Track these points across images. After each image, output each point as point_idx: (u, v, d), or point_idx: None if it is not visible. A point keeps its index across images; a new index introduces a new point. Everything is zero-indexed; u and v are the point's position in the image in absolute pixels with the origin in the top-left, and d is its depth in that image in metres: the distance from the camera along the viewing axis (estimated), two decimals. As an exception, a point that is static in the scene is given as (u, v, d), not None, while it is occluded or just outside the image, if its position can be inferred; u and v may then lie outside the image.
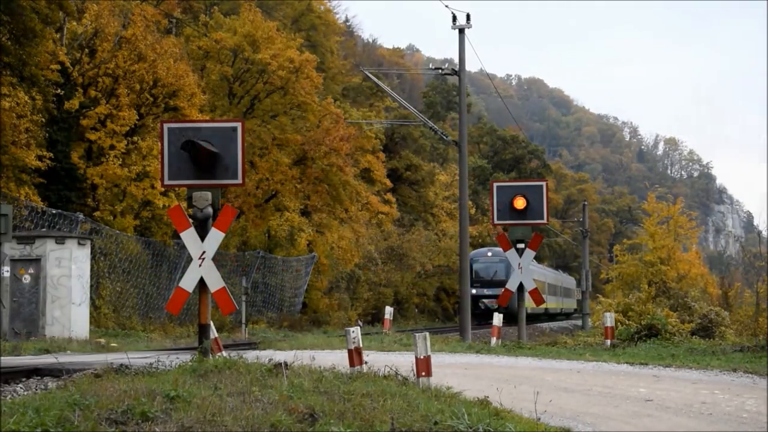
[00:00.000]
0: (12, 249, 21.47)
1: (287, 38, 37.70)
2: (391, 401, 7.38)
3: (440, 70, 32.37)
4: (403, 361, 10.97)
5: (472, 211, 61.58)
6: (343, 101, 52.28)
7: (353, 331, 10.08)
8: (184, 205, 15.86)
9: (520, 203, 18.06)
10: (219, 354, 11.74)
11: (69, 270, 22.20)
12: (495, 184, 18.80)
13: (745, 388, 10.65)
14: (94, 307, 25.75)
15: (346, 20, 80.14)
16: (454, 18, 26.78)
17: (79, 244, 22.66)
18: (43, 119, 26.74)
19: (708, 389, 10.49)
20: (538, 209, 18.20)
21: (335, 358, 11.73)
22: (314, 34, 53.89)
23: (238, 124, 11.94)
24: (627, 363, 13.69)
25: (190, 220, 11.79)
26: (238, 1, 42.37)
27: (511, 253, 18.50)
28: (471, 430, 6.52)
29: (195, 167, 11.58)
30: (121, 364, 10.18)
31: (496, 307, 28.82)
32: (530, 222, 18.36)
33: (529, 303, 20.67)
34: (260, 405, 6.99)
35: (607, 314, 19.46)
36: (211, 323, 11.99)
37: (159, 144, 14.40)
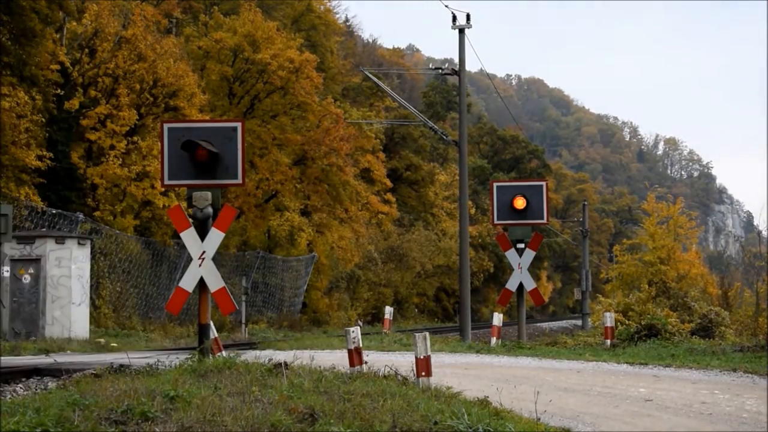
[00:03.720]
0: (12, 249, 21.47)
1: (287, 38, 37.71)
2: (391, 401, 7.38)
3: (440, 70, 32.39)
4: (403, 361, 10.97)
5: (472, 211, 61.56)
6: (343, 101, 52.29)
7: (353, 331, 10.08)
8: (184, 205, 15.87)
9: (520, 203, 18.06)
10: (219, 354, 11.75)
11: (69, 270, 22.21)
12: (495, 184, 18.81)
13: (745, 388, 10.65)
14: (94, 307, 25.75)
15: (346, 20, 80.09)
16: (454, 18, 26.79)
17: (79, 244, 22.67)
18: (43, 119, 26.77)
19: (708, 389, 10.49)
20: (538, 209, 18.20)
21: (335, 358, 11.73)
22: (314, 34, 53.87)
23: (238, 124, 11.94)
24: (627, 363, 13.68)
25: (190, 220, 11.79)
26: (238, 1, 42.38)
27: (511, 253, 18.51)
28: (471, 430, 6.52)
29: (195, 167, 11.59)
30: (121, 364, 10.19)
31: None
32: (530, 222, 18.36)
33: None
34: (260, 405, 6.99)
35: (607, 314, 19.46)
36: (211, 323, 12.00)
37: (159, 144, 14.41)
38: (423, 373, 9.07)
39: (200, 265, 11.53)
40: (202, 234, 11.65)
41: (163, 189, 27.46)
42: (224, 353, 11.78)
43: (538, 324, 59.55)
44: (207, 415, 6.57)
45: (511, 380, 10.76)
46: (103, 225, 27.68)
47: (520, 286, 18.50)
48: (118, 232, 28.22)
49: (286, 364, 9.30)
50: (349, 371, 9.56)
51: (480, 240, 63.17)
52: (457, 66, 28.43)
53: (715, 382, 11.24)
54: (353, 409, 7.00)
